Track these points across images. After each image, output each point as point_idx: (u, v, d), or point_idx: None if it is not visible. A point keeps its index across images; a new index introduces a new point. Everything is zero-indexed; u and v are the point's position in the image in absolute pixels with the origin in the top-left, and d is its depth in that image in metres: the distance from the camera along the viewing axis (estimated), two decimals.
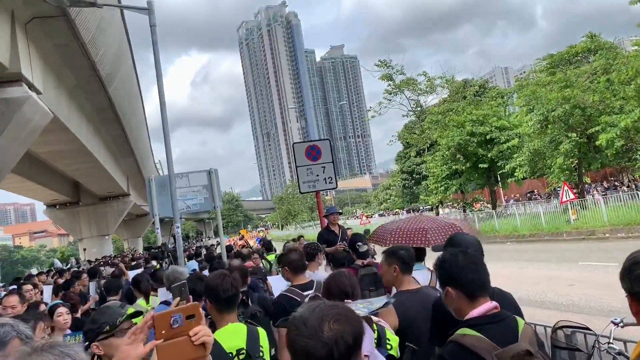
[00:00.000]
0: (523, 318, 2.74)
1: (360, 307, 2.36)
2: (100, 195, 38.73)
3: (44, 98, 14.57)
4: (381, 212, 66.79)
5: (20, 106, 12.70)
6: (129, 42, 25.12)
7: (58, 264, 19.42)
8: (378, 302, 2.54)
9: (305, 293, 3.69)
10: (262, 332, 2.91)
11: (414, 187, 64.00)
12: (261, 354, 2.81)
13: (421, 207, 58.26)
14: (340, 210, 7.55)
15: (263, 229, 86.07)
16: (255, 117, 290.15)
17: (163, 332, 1.42)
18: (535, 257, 15.80)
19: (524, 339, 2.07)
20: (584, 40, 25.08)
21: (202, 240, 54.76)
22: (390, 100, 30.70)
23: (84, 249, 36.27)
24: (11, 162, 14.12)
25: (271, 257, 8.96)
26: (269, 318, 3.78)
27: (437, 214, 34.79)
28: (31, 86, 13.42)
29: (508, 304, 2.75)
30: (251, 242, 27.68)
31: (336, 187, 7.81)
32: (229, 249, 16.03)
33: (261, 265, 7.59)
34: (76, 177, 33.23)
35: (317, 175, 7.57)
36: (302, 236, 15.38)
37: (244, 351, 2.71)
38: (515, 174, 23.99)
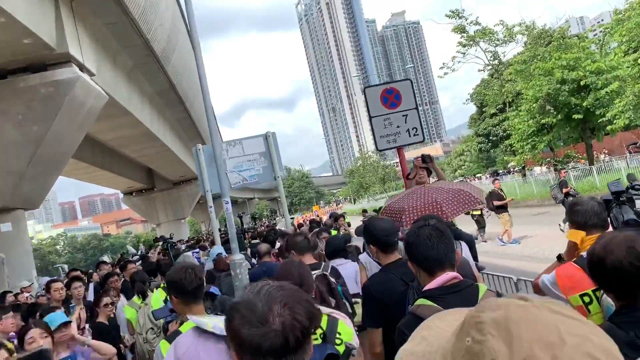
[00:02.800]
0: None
1: None
2: (173, 180, 39.17)
3: (100, 80, 13.95)
4: (460, 178, 63.87)
5: (71, 88, 12.02)
6: (184, 20, 24.41)
7: (132, 250, 19.35)
8: None
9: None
10: None
11: (491, 151, 60.72)
12: None
13: (500, 171, 55.11)
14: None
15: (340, 204, 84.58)
16: (319, 93, 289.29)
17: None
18: None
19: None
20: None
21: (274, 220, 54.35)
22: (464, 54, 27.96)
23: (161, 236, 36.81)
24: (70, 148, 13.63)
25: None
26: None
27: (524, 175, 31.95)
28: (82, 67, 12.73)
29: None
30: (324, 218, 26.67)
31: (423, 140, 6.09)
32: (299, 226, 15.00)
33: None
34: (147, 163, 33.51)
35: (398, 127, 5.77)
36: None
37: None
38: (616, 121, 20.92)
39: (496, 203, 13.82)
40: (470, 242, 4.50)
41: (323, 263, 3.99)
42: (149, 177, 38.57)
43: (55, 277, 5.74)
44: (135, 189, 39.12)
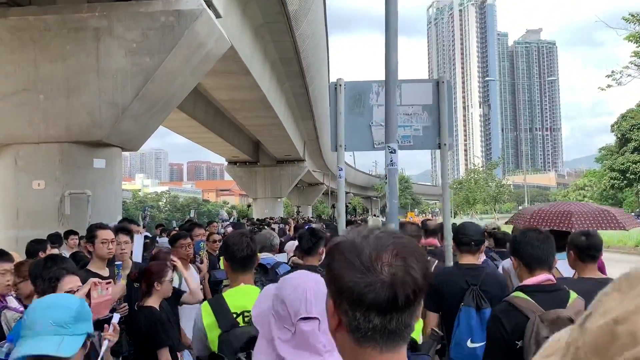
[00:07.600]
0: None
1: None
2: (277, 157, 38.60)
3: (225, 28, 12.53)
4: None
5: (192, 21, 10.61)
6: None
7: (224, 215, 18.40)
8: None
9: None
10: None
11: (624, 190, 54.21)
12: None
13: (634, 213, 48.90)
14: None
15: (436, 215, 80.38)
16: None
17: None
18: None
19: (572, 309, 2.22)
20: None
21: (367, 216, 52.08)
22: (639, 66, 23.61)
23: (252, 208, 36.68)
24: (180, 91, 12.31)
25: None
26: None
27: None
28: (209, 3, 11.31)
29: (495, 284, 3.14)
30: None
31: None
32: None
33: None
34: (256, 134, 32.79)
35: None
36: None
37: (249, 314, 2.24)
38: None
39: None
40: None
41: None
42: (255, 151, 38.25)
43: (102, 223, 3.81)
44: (239, 160, 39.07)
